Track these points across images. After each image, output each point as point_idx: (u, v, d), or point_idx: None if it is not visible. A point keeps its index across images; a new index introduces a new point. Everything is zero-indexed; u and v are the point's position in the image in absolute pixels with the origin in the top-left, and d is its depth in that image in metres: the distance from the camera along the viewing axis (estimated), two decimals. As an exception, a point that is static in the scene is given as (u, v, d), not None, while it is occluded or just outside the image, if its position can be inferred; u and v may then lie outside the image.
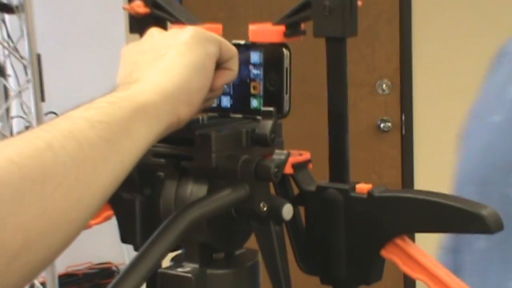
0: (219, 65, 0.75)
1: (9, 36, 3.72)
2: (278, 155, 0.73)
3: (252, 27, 0.79)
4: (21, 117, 3.84)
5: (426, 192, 0.73)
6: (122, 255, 4.23)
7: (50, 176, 0.58)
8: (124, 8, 0.86)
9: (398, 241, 0.74)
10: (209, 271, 0.75)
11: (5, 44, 3.69)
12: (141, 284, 0.61)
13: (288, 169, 0.76)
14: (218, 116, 0.80)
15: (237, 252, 0.79)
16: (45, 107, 3.78)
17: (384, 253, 0.74)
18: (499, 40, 1.26)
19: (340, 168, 0.77)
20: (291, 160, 0.76)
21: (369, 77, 3.92)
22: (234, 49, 0.76)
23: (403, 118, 3.92)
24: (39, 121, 3.65)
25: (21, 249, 0.55)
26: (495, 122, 1.12)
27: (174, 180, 0.75)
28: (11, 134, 3.81)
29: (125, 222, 0.84)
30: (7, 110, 3.77)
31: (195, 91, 0.71)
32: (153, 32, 0.77)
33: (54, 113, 3.91)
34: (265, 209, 0.73)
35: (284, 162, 0.72)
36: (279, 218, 0.73)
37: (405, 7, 3.83)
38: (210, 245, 0.76)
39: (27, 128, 3.79)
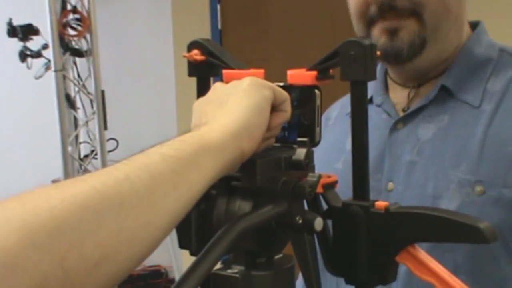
0: (274, 108, 0.76)
1: (79, 76, 3.77)
2: (311, 177, 0.74)
3: (290, 72, 0.80)
4: (88, 142, 3.88)
5: (434, 209, 0.74)
6: (170, 259, 4.24)
7: (126, 202, 0.58)
8: (184, 56, 0.87)
9: (410, 249, 0.74)
10: (253, 272, 0.76)
11: (75, 82, 3.74)
12: (200, 283, 0.63)
13: (319, 189, 0.77)
14: None
15: (276, 257, 0.79)
16: (108, 134, 3.81)
17: (398, 258, 0.75)
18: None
19: (362, 188, 0.77)
20: (322, 181, 0.77)
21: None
22: (286, 93, 0.77)
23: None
24: (102, 146, 3.69)
25: (99, 262, 0.55)
26: (338, 168, 1.22)
27: (225, 197, 0.76)
28: (79, 156, 3.85)
29: (183, 231, 0.85)
30: (76, 136, 3.81)
31: (254, 128, 0.72)
32: (217, 86, 0.79)
33: (115, 139, 3.95)
34: (300, 221, 0.73)
35: (316, 183, 0.73)
36: (311, 229, 0.74)
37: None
38: (254, 251, 0.77)
39: (92, 152, 3.83)
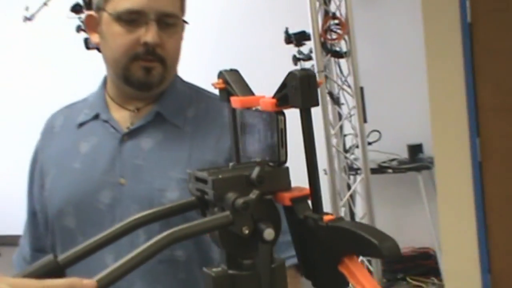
0: None
1: (341, 72, 3.93)
2: (253, 194, 0.78)
3: (261, 100, 0.84)
4: (351, 134, 4.02)
5: (360, 224, 0.74)
6: (433, 243, 4.20)
7: None
8: (212, 84, 0.97)
9: (346, 259, 0.76)
10: (230, 271, 0.83)
11: (338, 81, 3.90)
12: (119, 277, 0.73)
13: (287, 202, 0.81)
14: (240, 163, 0.87)
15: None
16: (369, 126, 3.91)
17: (340, 267, 0.76)
18: None
19: (316, 202, 0.80)
20: (289, 195, 0.81)
21: None
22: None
23: None
24: (362, 137, 3.79)
25: None
26: (76, 168, 1.45)
27: (207, 209, 0.85)
28: (344, 148, 4.00)
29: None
30: (341, 128, 3.97)
31: None
32: None
33: (377, 131, 4.03)
34: (247, 231, 0.79)
35: (252, 200, 0.77)
36: (261, 239, 0.79)
37: None
38: (230, 253, 0.84)
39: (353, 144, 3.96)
